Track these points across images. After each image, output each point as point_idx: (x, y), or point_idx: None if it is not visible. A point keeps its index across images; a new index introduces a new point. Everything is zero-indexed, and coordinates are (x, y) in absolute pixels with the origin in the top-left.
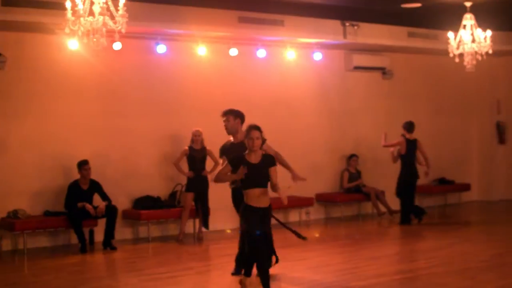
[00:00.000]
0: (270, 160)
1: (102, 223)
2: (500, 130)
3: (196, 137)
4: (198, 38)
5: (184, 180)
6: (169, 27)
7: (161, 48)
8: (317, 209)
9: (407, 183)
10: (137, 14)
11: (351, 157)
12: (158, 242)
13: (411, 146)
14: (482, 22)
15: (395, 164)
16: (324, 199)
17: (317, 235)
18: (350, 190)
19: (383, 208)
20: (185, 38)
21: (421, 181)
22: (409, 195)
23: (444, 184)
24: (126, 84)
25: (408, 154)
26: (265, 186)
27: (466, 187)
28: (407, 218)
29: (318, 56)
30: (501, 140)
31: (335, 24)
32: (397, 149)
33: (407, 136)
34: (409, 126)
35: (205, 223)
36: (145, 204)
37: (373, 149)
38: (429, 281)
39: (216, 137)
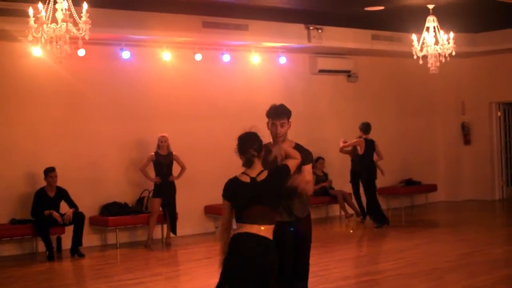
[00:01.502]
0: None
1: (69, 230)
2: (465, 131)
3: (162, 142)
4: (162, 44)
5: (151, 186)
6: (133, 33)
7: (125, 54)
8: None
9: (370, 182)
10: (101, 20)
11: (318, 160)
12: (126, 248)
13: (369, 146)
14: (445, 24)
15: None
16: None
17: None
18: (317, 192)
19: (350, 210)
20: (149, 43)
21: (388, 182)
22: (373, 194)
23: (410, 185)
24: (91, 91)
25: (367, 154)
26: None
27: (432, 188)
28: (383, 218)
29: (283, 60)
30: (466, 141)
31: (300, 28)
32: (352, 146)
33: (364, 136)
34: (365, 127)
35: (173, 228)
36: (113, 210)
37: (340, 152)
38: (396, 282)
39: (182, 142)
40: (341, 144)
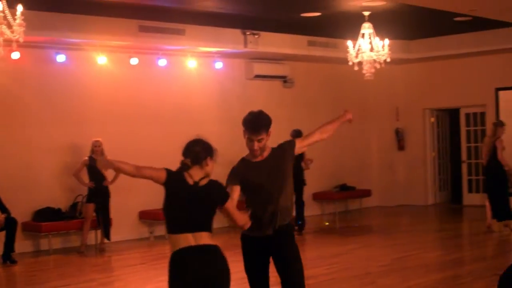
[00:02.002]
0: None
1: (1, 236)
2: (399, 137)
3: (96, 147)
4: (98, 47)
5: (85, 191)
6: (68, 36)
7: (60, 58)
8: (217, 218)
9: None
10: (36, 23)
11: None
12: (60, 254)
13: (299, 154)
14: (380, 31)
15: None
16: None
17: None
18: None
19: None
20: (85, 47)
21: (323, 187)
22: (301, 200)
23: (345, 191)
24: (25, 94)
25: (296, 162)
26: None
27: (366, 193)
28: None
29: (219, 65)
30: (400, 146)
31: (236, 33)
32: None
33: None
34: (297, 134)
35: (106, 234)
36: (46, 216)
37: None
38: (329, 287)
39: (117, 147)
40: None
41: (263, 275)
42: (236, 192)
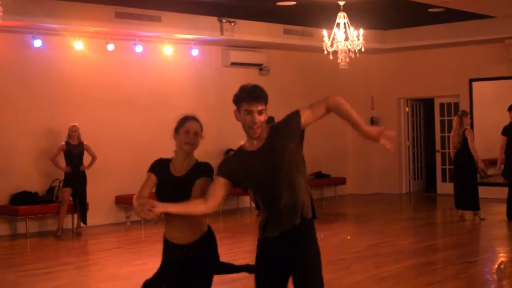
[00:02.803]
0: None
1: None
2: (374, 126)
3: (73, 132)
4: (75, 33)
5: (61, 176)
6: (45, 22)
7: (37, 43)
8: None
9: None
10: (12, 7)
11: (228, 152)
12: (36, 237)
13: None
14: (355, 21)
15: None
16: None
17: None
18: None
19: None
20: (61, 32)
21: None
22: None
23: (320, 178)
24: (1, 79)
25: None
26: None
27: (341, 181)
28: None
29: (195, 52)
30: None
31: (212, 20)
32: None
33: None
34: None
35: (83, 218)
36: (23, 199)
37: None
38: None
39: (93, 132)
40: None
41: None
42: (218, 185)
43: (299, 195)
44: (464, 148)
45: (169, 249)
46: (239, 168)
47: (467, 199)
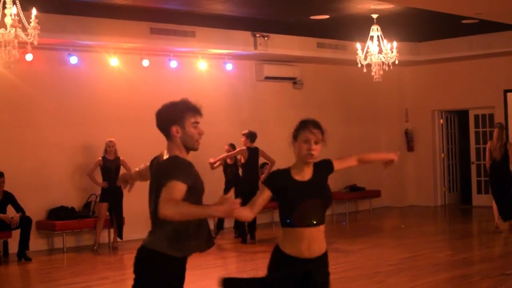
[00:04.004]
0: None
1: (16, 234)
2: (409, 138)
3: (110, 147)
4: (110, 49)
5: (98, 191)
6: (81, 38)
7: (73, 59)
8: None
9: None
10: (49, 25)
11: (263, 166)
12: (73, 252)
13: (252, 154)
14: (388, 33)
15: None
16: None
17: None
18: None
19: None
20: (97, 49)
21: (333, 188)
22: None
23: (355, 191)
24: (38, 95)
25: (249, 162)
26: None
27: (376, 194)
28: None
29: (229, 66)
30: (410, 147)
31: (246, 35)
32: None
33: (248, 145)
34: (252, 136)
35: (119, 232)
36: (60, 214)
37: (285, 158)
38: (338, 286)
39: (129, 147)
40: (211, 161)
41: None
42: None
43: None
44: (504, 160)
45: (288, 263)
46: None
47: (506, 208)
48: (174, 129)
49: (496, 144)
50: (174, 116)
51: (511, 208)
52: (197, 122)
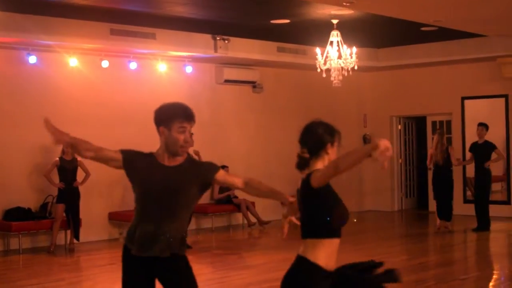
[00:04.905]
0: None
1: None
2: (367, 143)
3: (67, 148)
4: (69, 50)
5: (55, 192)
6: (40, 38)
7: (32, 59)
8: None
9: None
10: (8, 24)
11: (223, 168)
12: (29, 253)
13: None
14: (348, 39)
15: None
16: (195, 210)
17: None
18: (221, 201)
19: (253, 219)
20: (56, 49)
21: (291, 192)
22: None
23: None
24: None
25: None
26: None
27: None
28: None
29: (189, 69)
30: None
31: (206, 38)
32: None
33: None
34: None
35: (76, 234)
36: (16, 215)
37: (243, 161)
38: None
39: None
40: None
41: None
42: None
43: None
44: (446, 164)
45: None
46: None
47: (449, 210)
48: (161, 129)
49: (437, 149)
50: (164, 117)
51: (450, 210)
52: (184, 127)
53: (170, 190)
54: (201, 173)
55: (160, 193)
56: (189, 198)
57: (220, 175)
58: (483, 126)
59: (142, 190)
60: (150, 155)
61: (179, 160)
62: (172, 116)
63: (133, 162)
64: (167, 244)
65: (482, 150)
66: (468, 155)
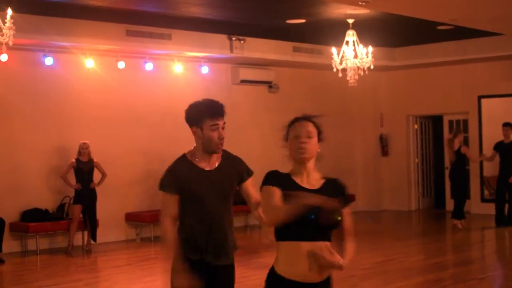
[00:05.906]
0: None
1: None
2: (383, 143)
3: (83, 149)
4: (85, 51)
5: (72, 193)
6: (56, 40)
7: (48, 60)
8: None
9: None
10: (24, 26)
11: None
12: (47, 254)
13: None
14: (364, 39)
15: None
16: None
17: None
18: (238, 201)
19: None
20: (72, 50)
21: None
22: None
23: None
24: (12, 96)
25: None
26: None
27: (351, 198)
28: None
29: (205, 69)
30: (384, 152)
31: (222, 38)
32: None
33: None
34: None
35: (93, 235)
36: (33, 216)
37: (259, 161)
38: None
39: (103, 150)
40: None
41: None
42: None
43: None
44: (455, 164)
45: None
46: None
47: (461, 209)
48: (194, 129)
49: (449, 149)
50: (194, 117)
51: (457, 209)
52: (216, 125)
53: (220, 197)
54: (239, 171)
55: (213, 201)
56: (232, 197)
57: (250, 181)
58: (508, 127)
59: (193, 202)
60: (184, 159)
61: (217, 159)
62: (202, 115)
63: (178, 182)
64: (231, 251)
65: (510, 149)
66: (492, 152)
